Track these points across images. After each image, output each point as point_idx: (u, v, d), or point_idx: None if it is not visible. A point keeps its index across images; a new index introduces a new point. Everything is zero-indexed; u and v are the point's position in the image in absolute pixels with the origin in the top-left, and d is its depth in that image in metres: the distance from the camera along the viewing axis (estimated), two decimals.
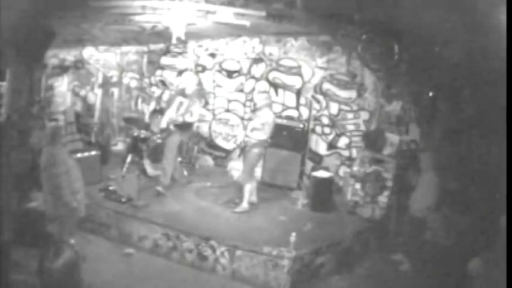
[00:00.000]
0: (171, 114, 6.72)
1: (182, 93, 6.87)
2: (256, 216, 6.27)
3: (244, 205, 6.31)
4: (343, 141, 7.46)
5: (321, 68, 7.54)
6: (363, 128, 7.25)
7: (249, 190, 6.33)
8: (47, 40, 5.99)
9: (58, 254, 2.36)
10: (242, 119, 8.24)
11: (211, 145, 8.60)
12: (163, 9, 5.75)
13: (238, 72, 8.26)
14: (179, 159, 7.87)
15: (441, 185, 5.64)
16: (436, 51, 5.63)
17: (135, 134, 7.34)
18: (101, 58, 8.43)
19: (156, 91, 6.90)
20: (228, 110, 8.44)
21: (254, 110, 6.66)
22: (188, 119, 6.66)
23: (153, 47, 8.82)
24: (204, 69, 8.58)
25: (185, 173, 7.68)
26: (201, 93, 6.98)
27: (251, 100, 7.89)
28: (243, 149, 6.54)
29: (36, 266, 2.35)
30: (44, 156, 4.79)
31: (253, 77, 8.12)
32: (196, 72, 8.64)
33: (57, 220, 4.91)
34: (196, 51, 8.60)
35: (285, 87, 7.86)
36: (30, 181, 5.11)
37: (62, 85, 7.85)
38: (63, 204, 4.73)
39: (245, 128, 6.56)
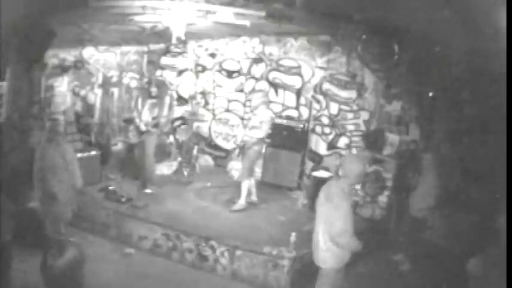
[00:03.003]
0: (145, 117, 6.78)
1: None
2: (256, 216, 6.27)
3: (241, 202, 6.33)
4: (343, 141, 7.45)
5: (321, 68, 7.53)
6: (363, 128, 7.25)
7: (247, 188, 6.35)
8: (47, 40, 5.99)
9: (61, 252, 2.35)
10: (242, 119, 8.25)
11: (211, 145, 8.60)
12: (163, 9, 5.75)
13: (238, 72, 8.26)
14: (179, 158, 7.90)
15: (441, 185, 5.64)
16: (436, 51, 5.63)
17: None
18: (101, 58, 8.43)
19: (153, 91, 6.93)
20: (228, 110, 8.44)
21: (252, 110, 6.72)
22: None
23: (153, 47, 8.82)
24: (204, 69, 8.58)
25: (185, 173, 7.69)
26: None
27: (250, 100, 7.90)
28: (242, 148, 6.58)
29: (39, 264, 2.34)
30: (38, 151, 4.85)
31: (253, 77, 8.12)
32: (196, 72, 8.65)
33: (48, 216, 4.95)
34: (196, 51, 8.61)
35: (285, 87, 7.86)
36: (30, 181, 5.10)
37: (62, 85, 7.83)
38: (51, 197, 4.79)
39: (245, 127, 6.58)
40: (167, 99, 6.85)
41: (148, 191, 6.63)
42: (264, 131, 6.30)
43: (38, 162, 4.83)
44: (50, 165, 4.81)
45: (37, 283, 2.39)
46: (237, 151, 7.11)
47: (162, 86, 7.36)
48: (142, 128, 6.75)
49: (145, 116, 6.74)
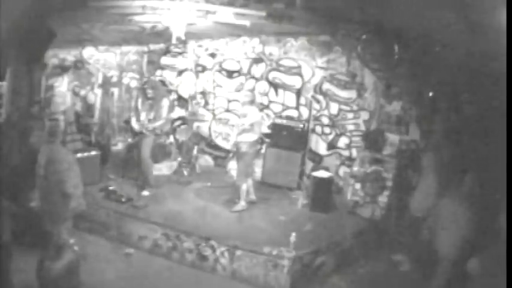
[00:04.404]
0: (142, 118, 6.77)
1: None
2: (256, 216, 6.28)
3: (242, 203, 6.34)
4: (343, 141, 7.45)
5: (321, 68, 7.53)
6: (363, 128, 7.25)
7: (246, 189, 6.36)
8: (47, 40, 5.98)
9: (59, 254, 2.36)
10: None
11: (211, 145, 8.60)
12: (163, 9, 5.75)
13: (238, 72, 8.26)
14: (179, 158, 7.89)
15: (441, 185, 5.64)
16: (436, 51, 5.63)
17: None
18: (101, 58, 8.42)
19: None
20: (228, 110, 8.45)
21: (240, 111, 6.71)
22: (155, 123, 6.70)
23: (153, 47, 8.82)
24: (204, 69, 8.58)
25: (185, 173, 7.69)
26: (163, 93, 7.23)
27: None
28: (236, 152, 6.58)
29: (37, 265, 2.34)
30: (44, 154, 4.82)
31: (253, 77, 8.13)
32: (196, 72, 8.65)
33: (55, 217, 4.93)
34: (196, 51, 8.61)
35: (285, 87, 7.86)
36: (30, 181, 5.10)
37: (62, 85, 7.82)
38: (66, 198, 4.77)
39: (236, 131, 6.57)
40: (165, 102, 6.80)
41: (145, 193, 6.60)
42: (256, 133, 6.28)
43: (52, 166, 4.79)
44: (67, 165, 4.80)
45: (36, 283, 2.39)
46: (231, 155, 7.17)
47: (159, 87, 7.34)
48: (136, 128, 6.76)
49: (142, 117, 6.75)
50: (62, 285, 2.36)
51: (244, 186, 6.34)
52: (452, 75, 5.75)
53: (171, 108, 7.42)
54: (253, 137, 6.26)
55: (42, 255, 2.39)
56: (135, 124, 6.82)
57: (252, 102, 6.44)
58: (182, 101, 8.72)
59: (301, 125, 7.53)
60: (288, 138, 7.45)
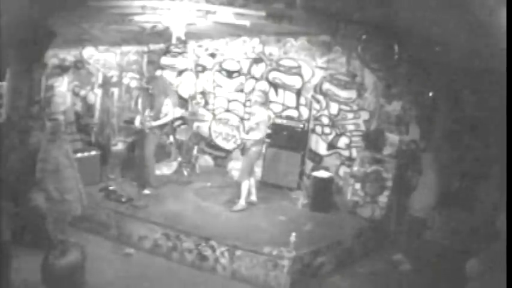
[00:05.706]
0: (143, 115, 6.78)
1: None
2: (256, 216, 6.28)
3: (242, 203, 6.35)
4: (343, 141, 7.45)
5: (321, 68, 7.53)
6: (363, 128, 7.25)
7: (247, 188, 6.37)
8: (47, 40, 5.99)
9: (64, 252, 2.36)
10: (242, 119, 8.25)
11: (211, 145, 8.60)
12: (163, 9, 5.75)
13: (238, 72, 8.26)
14: (179, 158, 7.89)
15: (441, 185, 5.65)
16: (436, 51, 5.63)
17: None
18: (101, 58, 8.42)
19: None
20: (228, 110, 8.45)
21: (249, 111, 6.75)
22: (159, 121, 6.68)
23: (153, 47, 8.82)
24: (204, 69, 8.59)
25: (185, 173, 7.69)
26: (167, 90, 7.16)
27: (250, 100, 7.92)
28: (243, 149, 6.61)
29: (41, 261, 2.34)
30: (41, 151, 4.85)
31: (253, 77, 8.13)
32: (196, 72, 8.65)
33: (52, 215, 4.95)
34: (196, 51, 8.61)
35: (285, 87, 7.86)
36: (30, 181, 5.10)
37: (62, 85, 7.82)
38: (51, 199, 4.79)
39: (243, 130, 6.60)
40: (168, 100, 6.78)
41: (146, 192, 6.62)
42: (261, 132, 6.31)
43: (39, 164, 4.81)
44: (53, 167, 4.80)
45: (37, 283, 2.38)
46: (239, 152, 7.15)
47: (160, 84, 7.33)
48: (137, 126, 6.76)
49: (143, 114, 6.74)
50: (65, 282, 2.35)
51: (245, 184, 6.35)
52: (452, 75, 5.76)
53: (175, 106, 7.42)
54: (258, 135, 6.29)
55: (46, 252, 2.39)
56: (137, 122, 6.81)
57: (263, 103, 6.49)
58: (182, 101, 8.73)
59: (301, 125, 7.54)
60: (288, 138, 7.46)
